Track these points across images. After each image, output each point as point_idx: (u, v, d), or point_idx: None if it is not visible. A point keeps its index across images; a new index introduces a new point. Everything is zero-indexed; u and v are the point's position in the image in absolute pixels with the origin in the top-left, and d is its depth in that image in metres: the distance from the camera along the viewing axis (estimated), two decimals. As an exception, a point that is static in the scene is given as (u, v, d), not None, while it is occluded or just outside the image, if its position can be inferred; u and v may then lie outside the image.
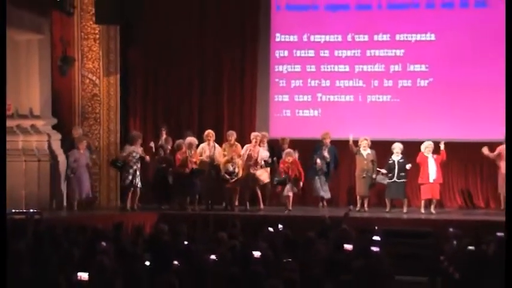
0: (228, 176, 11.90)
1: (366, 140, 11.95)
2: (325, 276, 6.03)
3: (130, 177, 11.94)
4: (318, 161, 11.98)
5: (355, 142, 12.04)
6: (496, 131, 11.92)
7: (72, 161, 11.98)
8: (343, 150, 12.31)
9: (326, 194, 12.17)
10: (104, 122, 12.96)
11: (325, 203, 12.18)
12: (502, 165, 11.76)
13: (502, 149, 11.73)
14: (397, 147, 11.86)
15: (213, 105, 13.43)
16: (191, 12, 13.45)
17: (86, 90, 12.86)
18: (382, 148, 12.19)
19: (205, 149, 12.13)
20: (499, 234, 8.28)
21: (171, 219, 10.50)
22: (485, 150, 11.91)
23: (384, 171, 11.81)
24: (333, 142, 12.40)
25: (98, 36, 12.77)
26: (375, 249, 7.81)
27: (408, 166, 11.76)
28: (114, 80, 13.01)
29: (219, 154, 12.09)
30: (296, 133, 12.89)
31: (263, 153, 12.06)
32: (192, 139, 12.13)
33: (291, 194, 11.93)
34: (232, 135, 12.21)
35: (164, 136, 12.52)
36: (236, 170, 11.92)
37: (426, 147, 11.86)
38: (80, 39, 12.69)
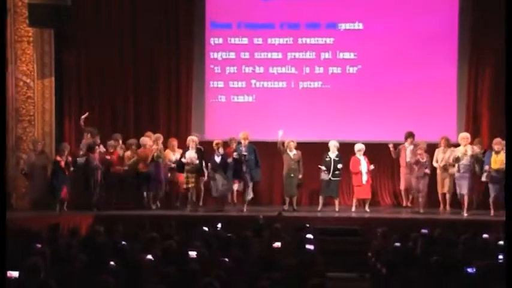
0: (173, 164, 12.09)
1: (293, 141, 12.21)
2: (259, 273, 6.20)
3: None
4: (240, 165, 11.82)
5: (282, 143, 12.26)
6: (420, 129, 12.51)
7: (23, 163, 11.94)
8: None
9: (246, 196, 12.02)
10: (39, 125, 12.84)
11: (244, 208, 11.98)
12: (403, 163, 12.28)
13: (402, 148, 12.30)
14: (332, 145, 12.17)
15: (149, 95, 13.57)
16: (124, 4, 13.54)
17: (20, 92, 12.70)
18: (313, 148, 12.57)
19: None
20: (423, 231, 8.71)
21: (107, 220, 10.51)
22: (390, 147, 12.38)
23: (324, 168, 12.09)
24: (266, 143, 12.70)
25: (31, 39, 12.65)
26: (309, 247, 8.07)
27: (339, 166, 12.09)
28: (48, 83, 12.93)
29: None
30: (232, 118, 13.24)
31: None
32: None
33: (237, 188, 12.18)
34: (160, 138, 12.35)
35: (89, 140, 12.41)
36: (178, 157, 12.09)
37: (358, 150, 12.22)
38: (14, 42, 12.53)
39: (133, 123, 13.54)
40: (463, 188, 11.75)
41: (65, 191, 11.90)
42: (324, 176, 12.07)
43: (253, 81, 13.52)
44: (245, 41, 13.48)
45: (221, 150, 11.90)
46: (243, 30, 13.48)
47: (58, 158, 11.93)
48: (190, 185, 11.88)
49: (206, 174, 12.14)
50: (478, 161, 11.82)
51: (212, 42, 13.55)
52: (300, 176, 12.23)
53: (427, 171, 11.88)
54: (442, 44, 13.18)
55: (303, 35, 13.38)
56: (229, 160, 11.77)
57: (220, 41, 13.54)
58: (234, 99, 13.56)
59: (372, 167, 12.16)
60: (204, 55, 13.53)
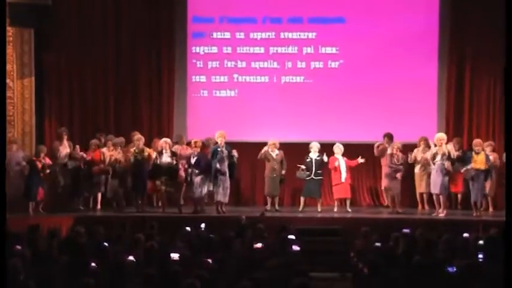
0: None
1: (274, 143, 12.19)
2: (242, 274, 6.20)
3: None
4: (218, 165, 11.59)
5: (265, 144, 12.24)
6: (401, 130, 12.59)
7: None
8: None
9: (225, 198, 11.73)
10: (18, 125, 12.73)
11: (223, 208, 11.76)
12: (384, 163, 12.33)
13: (384, 148, 12.28)
14: (315, 146, 12.19)
15: (131, 91, 13.47)
16: (106, 0, 13.47)
17: (-1, 93, 12.60)
18: (293, 148, 12.55)
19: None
20: (405, 230, 8.76)
21: (88, 221, 10.44)
22: (376, 148, 12.41)
23: (303, 166, 12.08)
24: (248, 144, 12.69)
25: (11, 38, 12.54)
26: (295, 248, 8.08)
27: (325, 158, 12.06)
28: (28, 83, 12.83)
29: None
30: (214, 113, 13.26)
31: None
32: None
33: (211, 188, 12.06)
34: (141, 139, 12.07)
35: (65, 141, 12.27)
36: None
37: (335, 148, 12.24)
38: (-8, 42, 12.43)
39: (115, 121, 13.45)
40: (436, 188, 11.77)
41: (41, 192, 11.79)
42: (302, 174, 12.06)
43: (235, 76, 13.52)
44: (227, 35, 13.48)
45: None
46: (225, 25, 13.47)
47: (34, 160, 11.81)
48: (163, 187, 11.81)
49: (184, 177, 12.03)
50: (458, 160, 11.86)
51: (194, 37, 13.52)
52: (283, 172, 12.18)
53: (398, 176, 11.91)
54: (423, 44, 13.27)
55: (285, 29, 13.41)
56: (217, 166, 11.60)
57: (203, 35, 13.52)
58: (216, 93, 13.53)
59: (361, 160, 12.16)
60: (186, 49, 13.50)
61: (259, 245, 7.88)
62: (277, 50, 13.44)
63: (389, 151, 12.14)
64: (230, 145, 11.92)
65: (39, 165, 11.74)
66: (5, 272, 5.80)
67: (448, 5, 13.22)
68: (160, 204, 12.20)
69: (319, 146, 12.20)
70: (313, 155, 12.15)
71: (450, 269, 6.30)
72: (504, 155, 11.79)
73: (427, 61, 13.30)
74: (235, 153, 11.73)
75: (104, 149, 12.23)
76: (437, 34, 13.25)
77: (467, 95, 13.28)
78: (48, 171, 11.87)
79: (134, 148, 11.96)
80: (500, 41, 12.81)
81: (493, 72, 13.16)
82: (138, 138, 12.05)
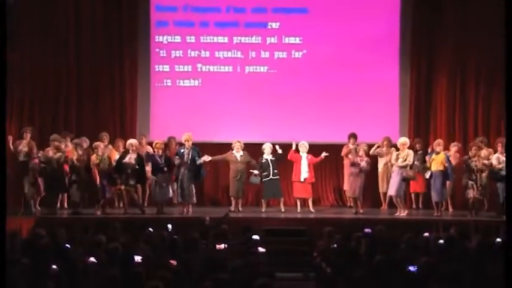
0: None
1: (239, 142, 12.15)
2: (205, 275, 6.18)
3: None
4: (177, 161, 11.52)
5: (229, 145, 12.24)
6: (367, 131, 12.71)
7: None
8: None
9: (191, 199, 11.68)
10: (-23, 125, 12.47)
11: (190, 209, 11.71)
12: (346, 163, 12.45)
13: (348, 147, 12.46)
14: (267, 147, 12.17)
15: (92, 82, 13.31)
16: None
17: (-43, 92, 12.33)
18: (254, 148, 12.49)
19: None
20: (366, 230, 8.86)
21: (49, 223, 10.30)
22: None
23: (256, 172, 12.10)
24: (211, 144, 12.69)
25: (-31, 37, 12.30)
26: (261, 249, 8.09)
27: (279, 150, 12.04)
28: (-13, 82, 12.58)
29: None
30: (177, 103, 13.26)
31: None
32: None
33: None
34: (99, 146, 11.82)
35: (28, 140, 11.94)
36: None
37: (300, 146, 12.25)
38: (-50, 40, 12.15)
39: (76, 116, 13.26)
40: (392, 190, 11.82)
41: None
42: (254, 179, 12.08)
43: (199, 65, 13.47)
44: (191, 24, 13.43)
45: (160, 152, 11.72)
46: (189, 14, 13.42)
47: None
48: (123, 187, 11.66)
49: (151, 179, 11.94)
50: (420, 164, 12.01)
51: (157, 25, 13.43)
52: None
53: (353, 169, 11.96)
54: (384, 45, 13.40)
55: (249, 19, 13.43)
56: (176, 161, 11.57)
57: (166, 24, 13.45)
58: (180, 83, 13.46)
59: (324, 154, 12.16)
60: (149, 38, 13.40)
61: (222, 245, 7.86)
62: (240, 40, 13.45)
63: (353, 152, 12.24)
64: (196, 146, 11.85)
65: None
66: (5, 272, 5.72)
67: (409, 8, 13.38)
68: (122, 205, 12.08)
69: (271, 146, 12.19)
70: (267, 156, 12.14)
71: (411, 268, 6.38)
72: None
73: (389, 63, 13.44)
74: (205, 158, 11.65)
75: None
76: (399, 36, 13.40)
77: (428, 96, 13.48)
78: None
79: (95, 155, 11.78)
80: (459, 43, 13.21)
81: (452, 74, 13.39)
82: (96, 145, 11.84)
